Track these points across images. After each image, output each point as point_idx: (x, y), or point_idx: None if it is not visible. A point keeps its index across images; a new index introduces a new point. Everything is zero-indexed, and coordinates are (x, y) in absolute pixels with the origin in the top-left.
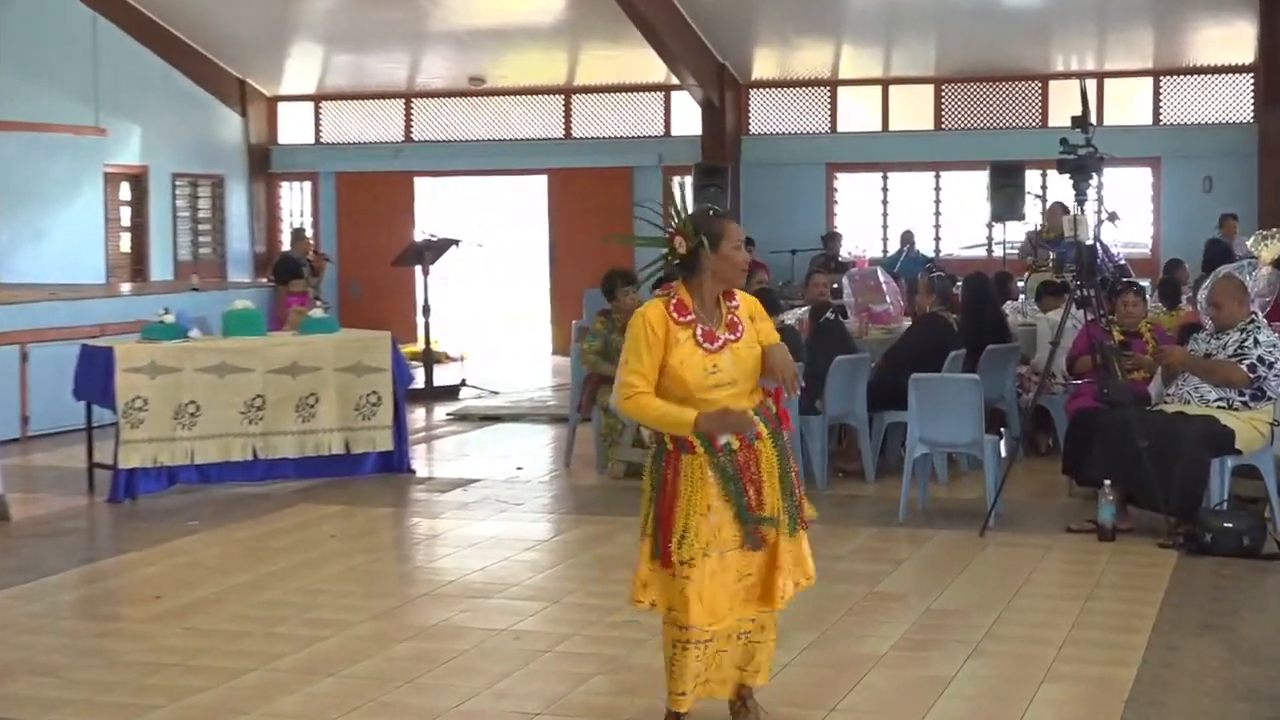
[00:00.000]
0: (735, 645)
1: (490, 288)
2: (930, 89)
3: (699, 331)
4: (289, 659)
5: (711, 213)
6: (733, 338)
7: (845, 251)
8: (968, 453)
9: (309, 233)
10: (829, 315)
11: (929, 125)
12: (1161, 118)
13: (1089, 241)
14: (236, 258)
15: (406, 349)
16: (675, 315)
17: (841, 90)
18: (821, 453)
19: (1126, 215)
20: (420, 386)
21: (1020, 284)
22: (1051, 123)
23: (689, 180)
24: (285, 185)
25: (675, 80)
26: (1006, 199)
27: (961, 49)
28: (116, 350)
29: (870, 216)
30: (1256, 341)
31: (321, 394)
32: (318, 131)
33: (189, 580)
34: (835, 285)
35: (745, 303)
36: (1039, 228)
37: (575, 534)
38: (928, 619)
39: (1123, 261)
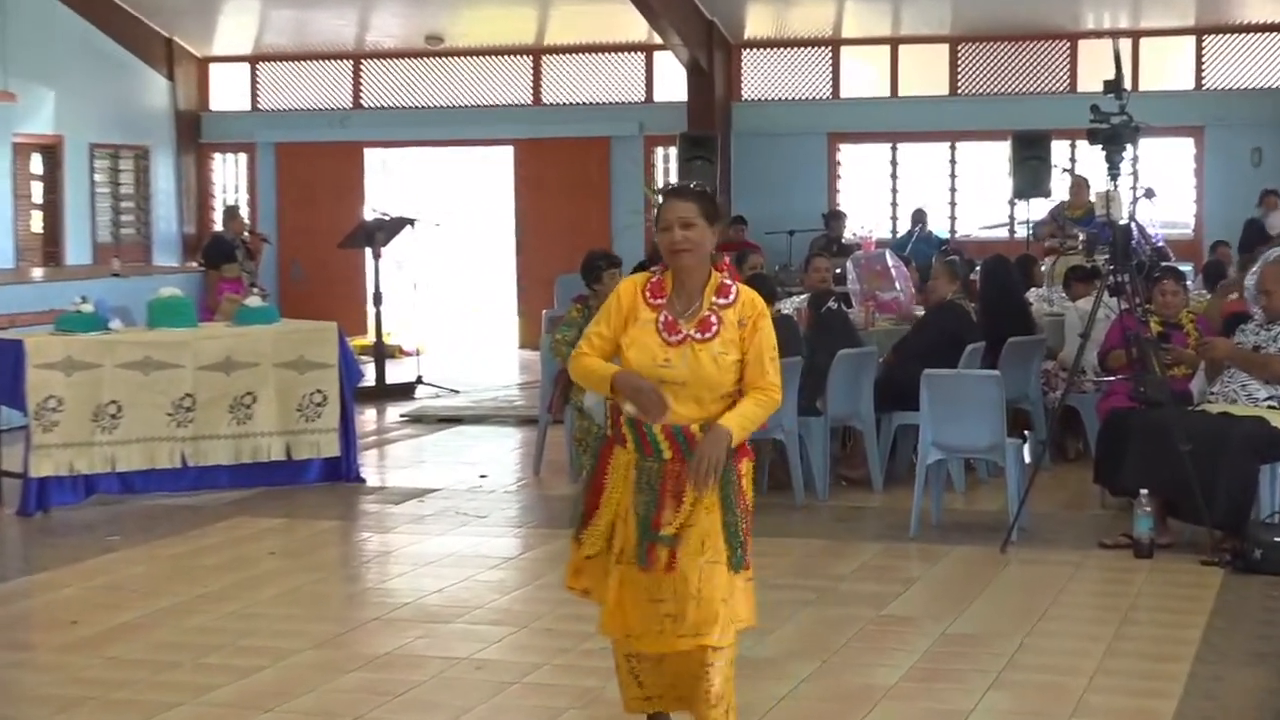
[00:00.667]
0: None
1: (450, 273)
2: (945, 49)
3: (663, 318)
4: (222, 692)
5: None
6: (698, 335)
7: (849, 232)
8: (987, 459)
9: (244, 211)
10: (831, 304)
11: (943, 90)
12: (1204, 82)
13: (1123, 221)
14: (163, 239)
15: (355, 342)
16: (648, 294)
17: (845, 51)
18: (822, 459)
19: (1165, 191)
20: (371, 384)
21: (1043, 268)
22: (1081, 87)
23: (673, 152)
24: (218, 157)
25: (658, 39)
26: (1030, 173)
27: (980, 4)
28: (27, 344)
29: (877, 193)
30: None
31: (259, 393)
32: (254, 97)
33: (109, 604)
34: (838, 270)
35: (744, 304)
36: (1062, 204)
37: (546, 550)
38: (942, 646)
39: (1161, 243)
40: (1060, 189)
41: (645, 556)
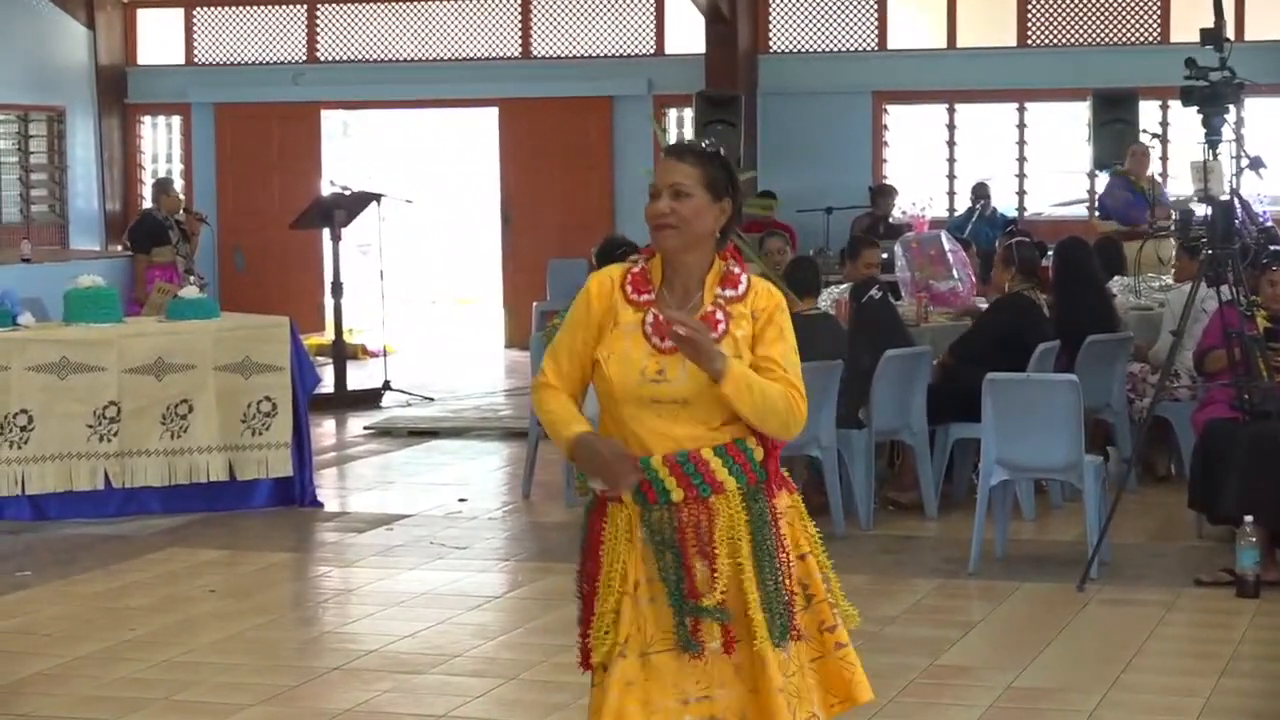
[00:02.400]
0: None
1: (424, 259)
2: None
3: (650, 318)
4: None
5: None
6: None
7: (899, 210)
8: (1062, 479)
9: (178, 184)
10: (874, 293)
11: (1010, 41)
12: None
13: (1224, 196)
14: (82, 218)
15: (310, 340)
16: (629, 289)
17: None
18: (866, 479)
19: (1275, 161)
20: (329, 391)
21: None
22: (1174, 38)
23: (689, 114)
24: (147, 120)
25: None
26: (1114, 139)
27: None
28: None
29: (932, 163)
30: None
31: (196, 401)
32: (189, 49)
33: (19, 650)
34: (884, 255)
35: (757, 294)
36: (1128, 176)
37: (536, 588)
38: (1009, 701)
39: (1270, 223)
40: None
41: (690, 638)
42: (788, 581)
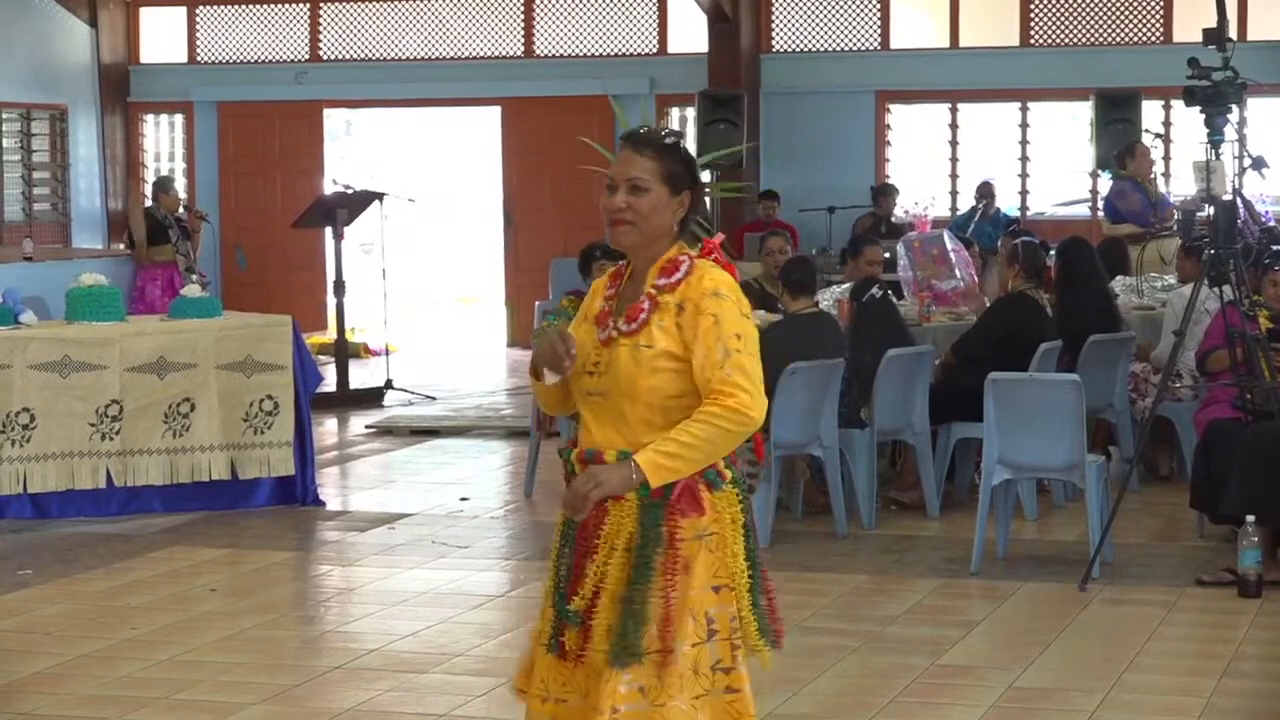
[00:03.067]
0: None
1: (426, 258)
2: None
3: (603, 309)
4: None
5: None
6: (623, 329)
7: (901, 209)
8: (1064, 479)
9: (180, 183)
10: (874, 292)
11: (1013, 40)
12: None
13: (1226, 196)
14: (84, 216)
15: (312, 340)
16: (609, 284)
17: None
18: (868, 478)
19: (1278, 161)
20: (331, 390)
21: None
22: (1177, 38)
23: (691, 113)
24: (149, 119)
25: None
26: (1116, 139)
27: None
28: None
29: (934, 162)
30: None
31: (198, 400)
32: (192, 47)
33: (20, 650)
34: (887, 254)
35: (690, 283)
36: (1126, 175)
37: (538, 587)
38: (1011, 700)
39: (1272, 223)
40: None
41: (554, 638)
42: (665, 605)
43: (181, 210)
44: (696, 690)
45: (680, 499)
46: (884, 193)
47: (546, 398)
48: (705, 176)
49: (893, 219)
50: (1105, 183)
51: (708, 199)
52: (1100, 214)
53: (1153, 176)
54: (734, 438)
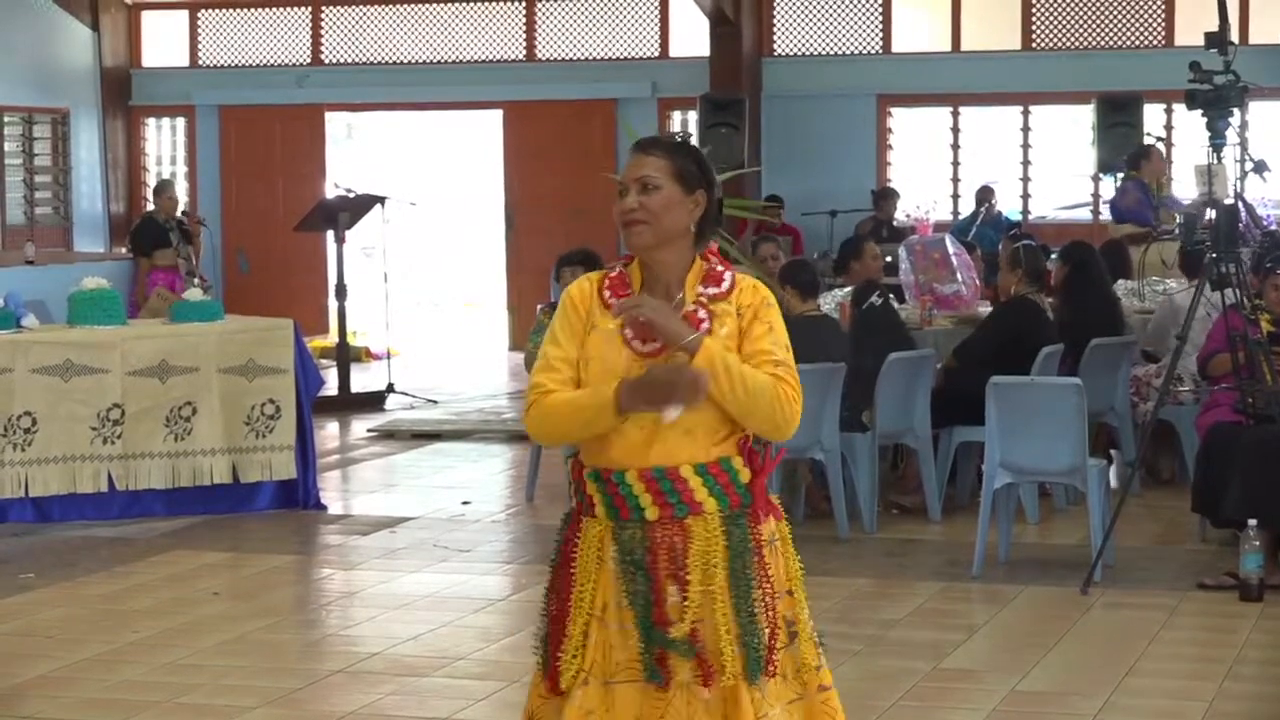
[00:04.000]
0: None
1: (428, 261)
2: None
3: (633, 320)
4: None
5: None
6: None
7: (903, 213)
8: (1065, 483)
9: (182, 186)
10: (874, 299)
11: (1014, 44)
12: None
13: (1228, 200)
14: (86, 220)
15: (314, 343)
16: (607, 294)
17: None
18: (870, 482)
19: (1279, 165)
20: (333, 393)
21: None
22: (1179, 41)
23: (693, 117)
24: (151, 123)
25: None
26: (1118, 142)
27: None
28: None
29: (936, 166)
30: None
31: (200, 403)
32: (194, 51)
33: (21, 653)
34: (889, 258)
35: (742, 290)
36: (1142, 180)
37: (539, 591)
38: (1012, 704)
39: (1274, 226)
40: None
41: (657, 669)
42: (768, 614)
43: (180, 213)
44: (789, 695)
45: (757, 504)
46: (884, 196)
47: (577, 430)
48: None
49: (894, 222)
50: (1108, 186)
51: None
52: (1104, 216)
53: (1164, 180)
54: (771, 417)
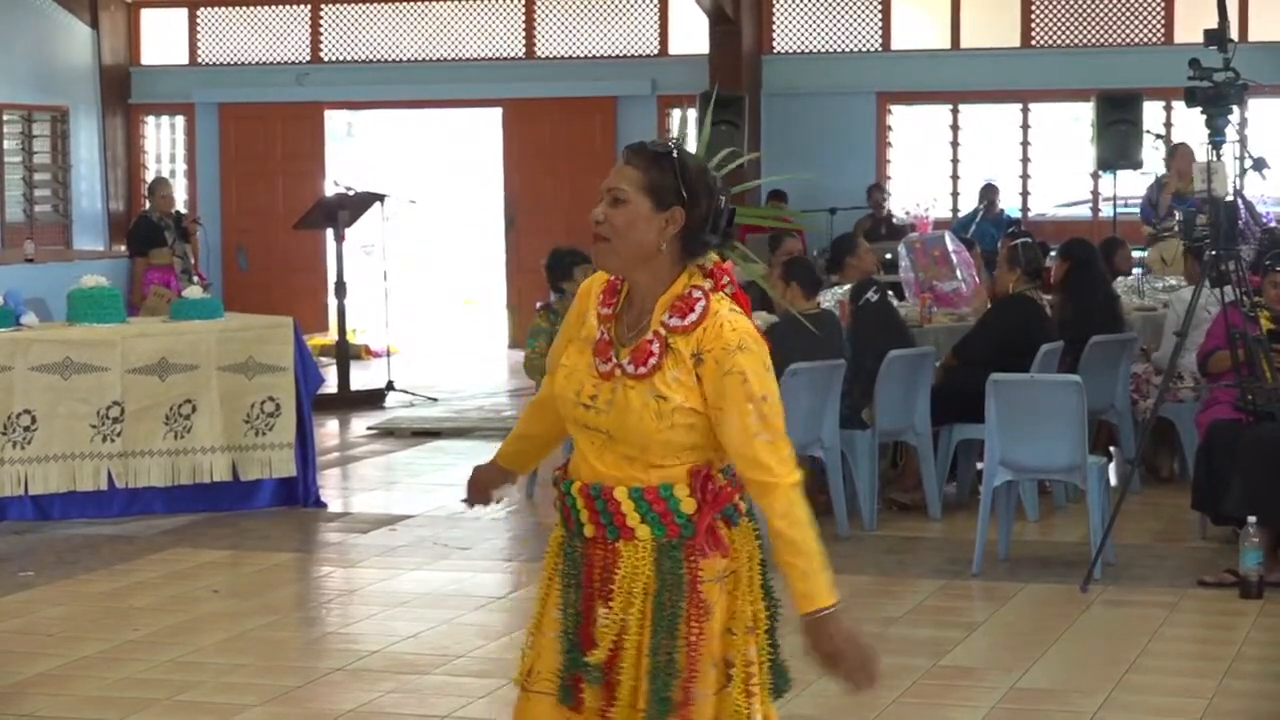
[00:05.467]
0: None
1: (427, 259)
2: None
3: (599, 336)
4: None
5: None
6: (629, 370)
7: (903, 210)
8: (1065, 480)
9: (182, 185)
10: (870, 295)
11: (1014, 42)
12: None
13: (1228, 198)
14: (85, 218)
15: (314, 341)
16: (601, 299)
17: None
18: (870, 480)
19: (1278, 162)
20: (333, 391)
21: (1140, 253)
22: (1178, 39)
23: (692, 114)
24: (150, 121)
25: None
26: (1117, 140)
27: None
28: None
29: (936, 163)
30: None
31: (200, 401)
32: (193, 49)
33: (22, 651)
34: (888, 255)
35: (708, 330)
36: (1162, 179)
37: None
38: (1012, 701)
39: (1273, 223)
40: (1152, 160)
41: (569, 693)
42: (689, 653)
43: (176, 211)
44: None
45: (700, 539)
46: (873, 190)
47: (533, 447)
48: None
49: (894, 220)
50: (1107, 183)
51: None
52: (1104, 213)
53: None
54: (799, 515)
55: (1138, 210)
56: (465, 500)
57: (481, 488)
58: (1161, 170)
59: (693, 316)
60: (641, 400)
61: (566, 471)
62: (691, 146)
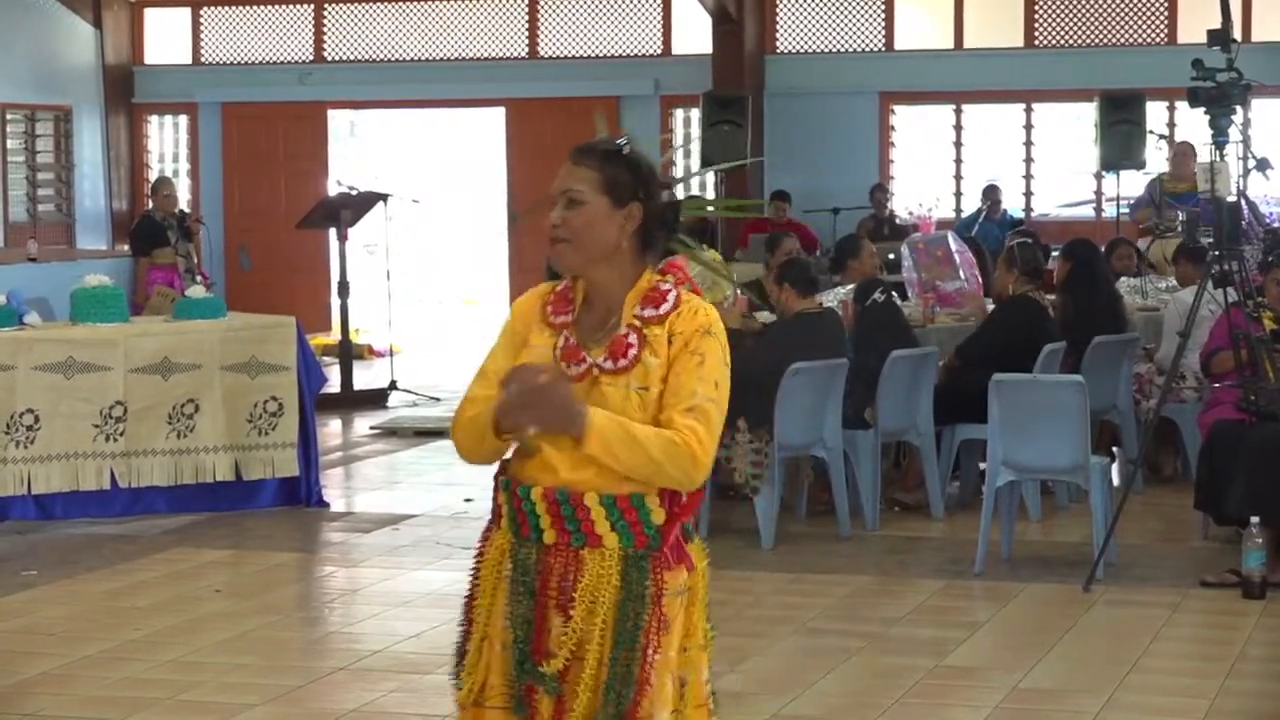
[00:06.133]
0: None
1: (430, 259)
2: None
3: (563, 342)
4: None
5: None
6: (608, 364)
7: (905, 210)
8: (1068, 480)
9: (185, 184)
10: (877, 296)
11: (1017, 42)
12: None
13: (1231, 198)
14: (88, 218)
15: (316, 341)
16: (549, 311)
17: None
18: (872, 480)
19: None
20: (336, 391)
21: (1142, 247)
22: (1181, 39)
23: (695, 115)
24: (154, 120)
25: None
26: (1121, 140)
27: None
28: None
29: (939, 164)
30: None
31: (203, 401)
32: (197, 48)
33: (24, 651)
34: (890, 255)
35: (682, 315)
36: (1161, 177)
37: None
38: (1015, 701)
39: (1277, 224)
40: (1155, 160)
41: (522, 704)
42: (646, 668)
43: (179, 210)
44: None
45: (666, 549)
46: (876, 190)
47: (483, 448)
48: (709, 190)
49: (896, 220)
50: (1110, 183)
51: (711, 213)
52: (1106, 213)
53: (1176, 174)
54: (667, 477)
55: (1129, 209)
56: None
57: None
58: (1162, 169)
59: (666, 306)
60: (621, 395)
61: (513, 475)
62: (694, 146)
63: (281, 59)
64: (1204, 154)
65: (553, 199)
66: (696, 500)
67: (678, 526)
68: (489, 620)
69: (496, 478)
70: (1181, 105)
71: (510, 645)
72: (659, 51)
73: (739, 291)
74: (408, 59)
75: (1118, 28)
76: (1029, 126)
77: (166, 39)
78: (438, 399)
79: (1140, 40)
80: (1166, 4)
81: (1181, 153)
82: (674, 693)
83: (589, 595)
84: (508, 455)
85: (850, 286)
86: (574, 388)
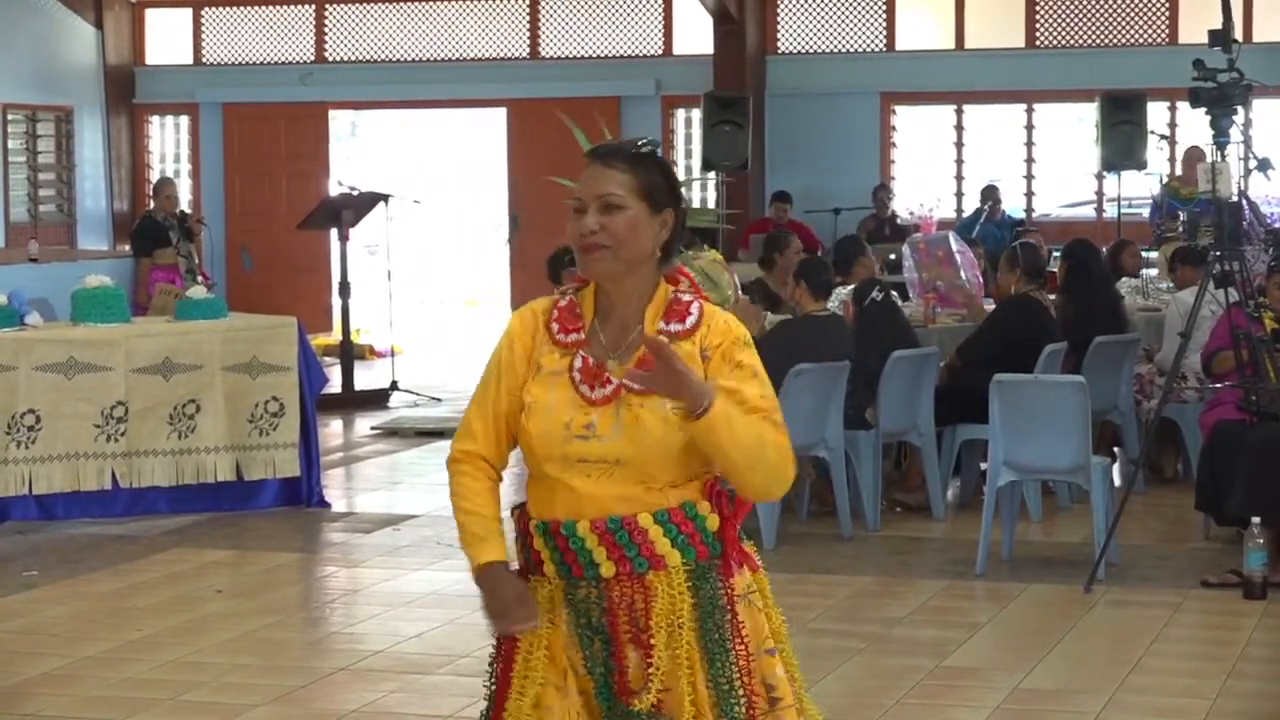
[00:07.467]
0: None
1: (431, 259)
2: None
3: (579, 362)
4: None
5: None
6: (639, 386)
7: (906, 210)
8: (1069, 481)
9: (186, 185)
10: (875, 295)
11: (1018, 42)
12: None
13: (1232, 199)
14: (90, 218)
15: (318, 341)
16: (555, 327)
17: None
18: (873, 480)
19: None
20: (337, 391)
21: (1151, 253)
22: (1182, 39)
23: (696, 115)
24: (155, 120)
25: None
26: (1122, 141)
27: None
28: None
29: (940, 164)
30: None
31: (204, 401)
32: (198, 49)
33: (26, 651)
34: (891, 255)
35: (710, 329)
36: (1166, 181)
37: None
38: (1016, 702)
39: (1278, 225)
40: (1156, 160)
41: None
42: (744, 679)
43: (180, 210)
44: None
45: (728, 554)
46: (878, 191)
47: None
48: (710, 191)
49: (898, 220)
50: (1111, 184)
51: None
52: (1108, 214)
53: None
54: (773, 477)
55: (1144, 212)
56: (518, 628)
57: (527, 600)
58: (1165, 171)
59: (692, 319)
60: (654, 415)
61: (540, 517)
62: (696, 146)
63: (283, 59)
64: (1206, 155)
65: (581, 206)
66: (748, 503)
67: (734, 527)
68: (549, 670)
69: (524, 523)
70: (1183, 106)
71: (595, 693)
72: (660, 52)
73: (739, 292)
74: (409, 59)
75: (1119, 28)
76: (1030, 127)
77: (168, 39)
78: (439, 399)
79: (1141, 41)
80: (1167, 4)
81: (1192, 158)
82: (764, 699)
83: (665, 621)
84: (520, 500)
85: (850, 287)
86: (600, 412)
